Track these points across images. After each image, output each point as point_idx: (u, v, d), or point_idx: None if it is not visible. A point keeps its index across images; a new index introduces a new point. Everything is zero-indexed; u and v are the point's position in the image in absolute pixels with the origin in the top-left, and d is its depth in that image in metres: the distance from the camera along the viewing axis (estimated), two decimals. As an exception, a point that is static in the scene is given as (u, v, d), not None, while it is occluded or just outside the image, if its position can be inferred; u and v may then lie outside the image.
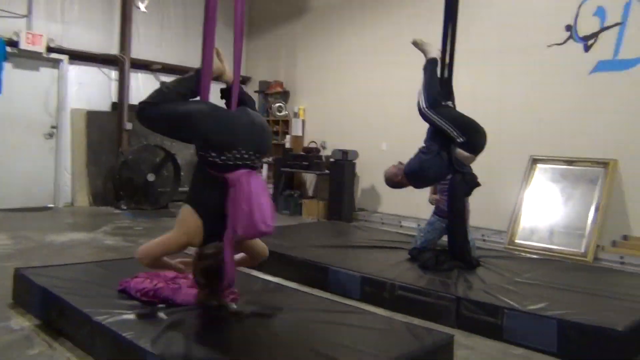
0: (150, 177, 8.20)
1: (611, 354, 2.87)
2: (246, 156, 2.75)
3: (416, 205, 7.57)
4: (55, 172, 8.24)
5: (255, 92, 10.04)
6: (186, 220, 2.74)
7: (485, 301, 3.37)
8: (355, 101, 8.47)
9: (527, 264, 4.61)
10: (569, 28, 6.46)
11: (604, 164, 6.07)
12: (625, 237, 5.90)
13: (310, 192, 9.22)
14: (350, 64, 8.64)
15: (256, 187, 2.70)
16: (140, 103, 2.81)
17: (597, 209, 5.92)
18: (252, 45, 10.49)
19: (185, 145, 9.45)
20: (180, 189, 8.93)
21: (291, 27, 9.70)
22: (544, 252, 5.83)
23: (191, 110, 2.78)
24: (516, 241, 6.27)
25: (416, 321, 3.32)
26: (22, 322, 3.20)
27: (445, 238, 4.68)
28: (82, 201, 8.40)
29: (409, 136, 7.76)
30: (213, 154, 2.68)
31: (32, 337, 2.97)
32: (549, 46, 6.56)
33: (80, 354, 2.75)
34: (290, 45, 9.73)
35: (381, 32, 8.28)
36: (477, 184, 4.36)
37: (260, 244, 3.09)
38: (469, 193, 4.40)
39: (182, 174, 8.59)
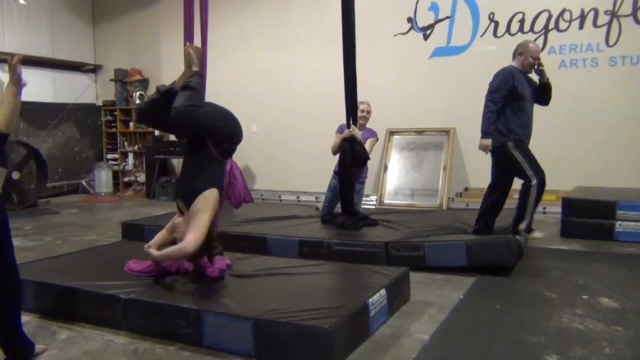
0: (15, 175, 7.79)
1: (501, 258, 4.05)
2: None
3: (292, 179, 8.44)
4: None
5: (111, 80, 9.88)
6: (216, 203, 3.31)
7: (408, 240, 4.36)
8: (222, 86, 8.90)
9: (409, 215, 5.74)
10: (410, 20, 7.75)
11: (446, 131, 7.52)
12: (466, 189, 7.44)
13: (181, 177, 9.50)
14: (214, 48, 9.01)
15: (237, 170, 3.59)
16: (189, 106, 3.17)
17: (444, 169, 7.35)
18: (102, 30, 10.22)
19: (44, 140, 9.07)
20: (49, 184, 8.61)
21: (146, 12, 9.70)
22: (408, 208, 7.07)
23: (226, 110, 3.44)
24: (385, 201, 7.47)
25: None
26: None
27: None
28: None
29: (278, 119, 8.58)
30: (232, 146, 3.35)
31: (48, 327, 3.18)
32: (395, 35, 7.79)
33: (110, 331, 3.08)
34: (146, 31, 9.72)
35: (246, 16, 8.79)
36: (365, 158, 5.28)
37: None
38: (357, 163, 5.26)
39: (48, 168, 8.27)
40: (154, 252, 3.30)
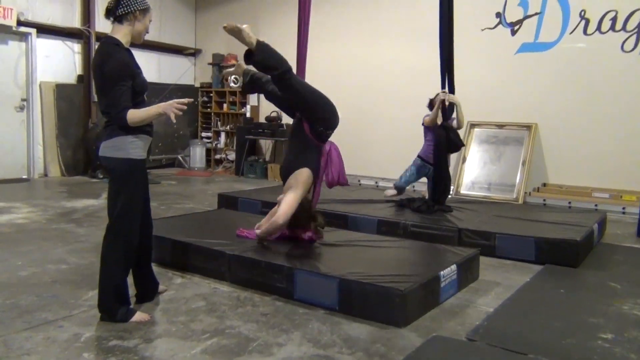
0: (123, 147, 8.67)
1: (570, 258, 4.25)
2: (332, 132, 3.85)
3: (372, 165, 8.82)
4: (27, 144, 8.48)
5: (209, 64, 10.65)
6: (307, 180, 3.80)
7: (479, 229, 4.65)
8: (314, 72, 9.39)
9: (484, 206, 5.98)
10: (498, 15, 7.87)
11: (528, 127, 7.62)
12: (544, 184, 7.53)
13: (267, 157, 10.13)
14: (311, 36, 9.50)
15: (339, 154, 4.04)
16: (286, 70, 3.62)
17: (523, 164, 7.47)
18: (203, 17, 11.01)
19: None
20: (151, 157, 9.48)
21: (245, 1, 10.35)
22: (485, 200, 7.27)
23: (323, 94, 3.89)
24: (462, 192, 7.70)
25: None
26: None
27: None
28: (55, 172, 8.72)
29: (360, 107, 8.96)
30: (328, 130, 3.75)
31: (165, 273, 3.79)
32: (482, 30, 7.94)
33: (215, 281, 3.64)
34: (244, 18, 10.32)
35: (358, 3, 9.19)
36: (460, 145, 5.60)
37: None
38: (451, 150, 5.60)
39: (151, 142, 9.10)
40: (257, 231, 3.88)
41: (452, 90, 5.51)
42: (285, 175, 3.91)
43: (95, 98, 8.75)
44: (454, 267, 3.48)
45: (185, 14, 10.89)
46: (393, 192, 6.17)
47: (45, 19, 8.52)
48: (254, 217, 5.08)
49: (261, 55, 3.59)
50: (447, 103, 5.43)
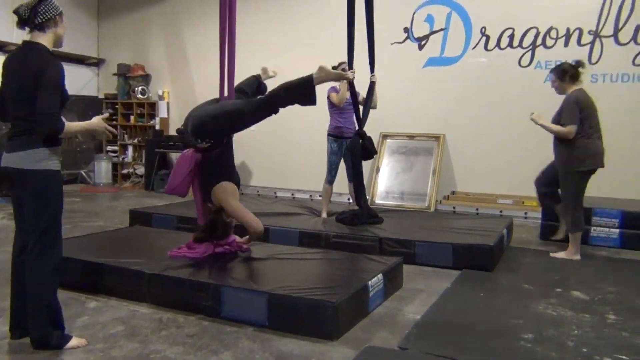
0: (20, 162, 8.03)
1: (485, 262, 4.44)
2: None
3: (289, 177, 8.80)
4: None
5: (114, 74, 10.17)
6: (234, 190, 3.77)
7: (399, 237, 4.75)
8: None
9: (399, 215, 6.13)
10: (406, 30, 8.16)
11: (436, 137, 7.94)
12: (453, 192, 7.86)
13: (178, 171, 9.78)
14: (213, 47, 9.33)
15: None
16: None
17: (433, 173, 7.77)
18: (106, 25, 10.51)
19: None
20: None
21: (152, 9, 10.00)
22: (398, 209, 7.45)
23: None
24: (376, 201, 7.85)
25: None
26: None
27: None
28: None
29: (275, 118, 8.90)
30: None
31: (77, 298, 3.51)
32: (391, 44, 8.20)
33: (134, 303, 3.42)
34: (151, 28, 10.03)
35: (248, 18, 9.11)
36: (374, 153, 5.70)
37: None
38: (365, 157, 5.68)
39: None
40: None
41: (372, 69, 5.65)
42: None
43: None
44: (380, 276, 3.51)
45: (87, 22, 10.35)
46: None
47: None
48: (170, 233, 4.88)
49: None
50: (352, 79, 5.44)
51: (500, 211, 7.17)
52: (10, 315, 2.82)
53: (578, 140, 4.64)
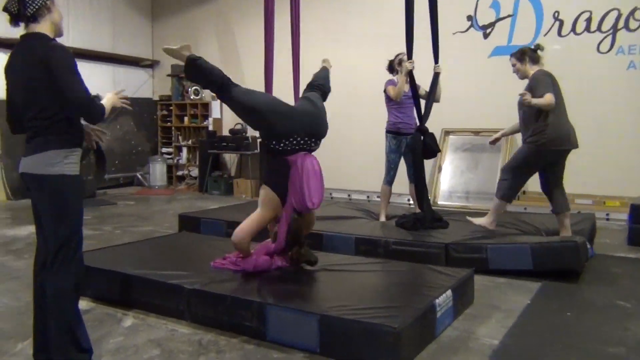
0: (76, 166, 8.01)
1: (571, 263, 3.88)
2: (302, 142, 3.30)
3: (344, 177, 8.38)
4: (-32, 167, 7.75)
5: (168, 75, 10.08)
6: (268, 199, 3.33)
7: (469, 242, 4.25)
8: (276, 80, 8.95)
9: (464, 218, 5.57)
10: (470, 18, 7.57)
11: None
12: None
13: (233, 172, 9.58)
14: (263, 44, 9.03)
15: (308, 168, 3.31)
16: (222, 84, 3.27)
17: (502, 171, 7.14)
18: (160, 26, 10.45)
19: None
20: (106, 176, 8.85)
21: (203, 8, 9.84)
22: (463, 210, 6.89)
23: (259, 102, 3.32)
24: (438, 202, 7.32)
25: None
26: (82, 305, 3.41)
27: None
28: (0, 196, 7.99)
29: (332, 117, 8.51)
30: (274, 142, 3.31)
31: (113, 314, 3.23)
32: (453, 34, 7.63)
33: (173, 321, 3.11)
34: (203, 28, 9.87)
35: (314, 11, 8.75)
36: (436, 151, 5.21)
37: (312, 217, 3.65)
38: (427, 156, 5.20)
39: (106, 160, 8.48)
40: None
41: (436, 59, 5.25)
42: None
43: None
44: (449, 292, 3.04)
45: (141, 23, 10.32)
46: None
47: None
48: (218, 240, 4.56)
49: (192, 73, 3.38)
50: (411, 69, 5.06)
51: (579, 212, 6.47)
52: (34, 338, 2.55)
53: (550, 118, 4.42)
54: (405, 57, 5.18)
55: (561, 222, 4.51)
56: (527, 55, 4.62)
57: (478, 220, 4.74)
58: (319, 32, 8.65)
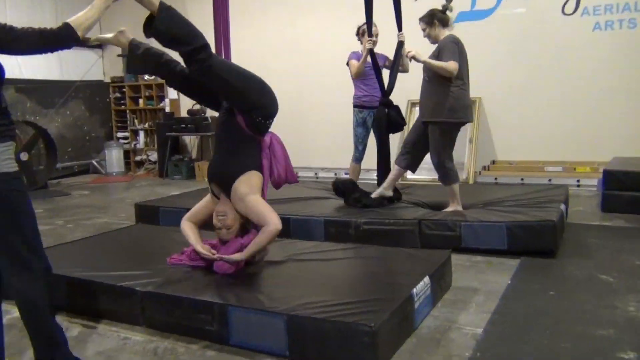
0: (24, 157, 7.51)
1: (548, 243, 3.71)
2: (273, 121, 3.12)
3: (310, 155, 8.10)
4: None
5: (119, 55, 9.53)
6: (260, 184, 3.04)
7: (442, 219, 4.04)
8: (238, 57, 8.53)
9: (435, 191, 5.38)
10: (432, -17, 7.28)
11: (472, 101, 7.11)
12: (494, 162, 7.08)
13: (193, 155, 9.19)
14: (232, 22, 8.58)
15: (281, 145, 3.19)
16: (202, 45, 2.74)
17: (470, 142, 6.97)
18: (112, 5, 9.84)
19: (52, 119, 8.78)
20: (59, 165, 8.37)
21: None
22: (432, 183, 6.69)
23: (255, 76, 3.06)
24: (407, 177, 7.10)
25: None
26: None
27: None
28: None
29: (295, 94, 8.20)
30: (267, 120, 3.05)
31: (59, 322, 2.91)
32: (416, 0, 7.33)
33: (126, 327, 2.81)
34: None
35: None
36: (402, 124, 4.98)
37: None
38: (392, 130, 4.97)
39: (57, 149, 7.98)
40: (235, 256, 2.93)
41: (399, 27, 4.98)
42: (226, 181, 3.03)
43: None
44: (426, 279, 2.81)
45: (87, 0, 9.68)
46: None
47: None
48: (178, 232, 4.21)
49: (167, 23, 2.69)
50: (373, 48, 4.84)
51: (549, 180, 6.37)
52: None
53: (453, 88, 4.29)
54: (366, 28, 4.92)
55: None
56: (435, 18, 4.42)
57: (448, 209, 4.49)
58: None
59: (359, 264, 3.25)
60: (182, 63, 3.00)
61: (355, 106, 5.22)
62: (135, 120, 9.64)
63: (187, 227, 3.18)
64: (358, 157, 5.27)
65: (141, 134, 9.55)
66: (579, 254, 3.77)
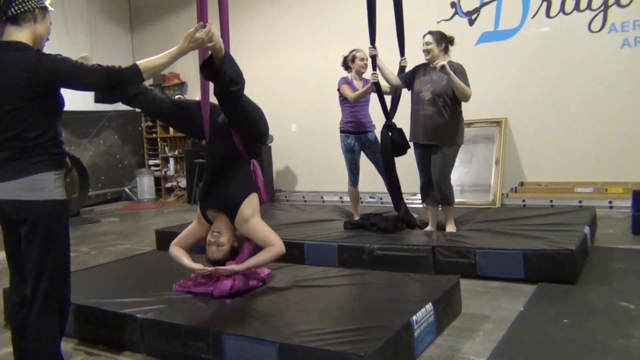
0: (57, 185, 7.73)
1: (566, 273, 3.55)
2: None
3: (335, 180, 8.07)
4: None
5: (151, 85, 9.79)
6: (258, 204, 3.11)
7: (455, 245, 3.93)
8: (261, 86, 8.64)
9: (460, 214, 5.26)
10: (453, 5, 7.25)
11: (497, 122, 6.99)
12: (522, 184, 6.89)
13: (222, 181, 9.28)
14: (252, 48, 8.74)
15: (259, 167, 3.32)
16: (244, 83, 2.86)
17: (496, 163, 6.82)
18: (139, 36, 10.22)
19: (85, 148, 9.06)
20: (92, 192, 8.60)
21: (182, 15, 9.57)
22: (458, 206, 6.52)
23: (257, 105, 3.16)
24: (433, 199, 6.99)
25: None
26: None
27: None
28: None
29: (318, 117, 8.24)
30: (261, 145, 3.29)
31: (63, 348, 2.94)
32: (438, 22, 7.30)
33: (127, 355, 2.81)
34: (182, 34, 9.58)
35: (285, 15, 8.52)
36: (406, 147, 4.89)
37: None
38: (396, 153, 4.87)
39: (89, 177, 8.21)
40: (233, 267, 2.99)
41: (402, 52, 4.95)
42: (231, 206, 3.05)
43: None
44: (429, 306, 2.73)
45: (120, 34, 10.07)
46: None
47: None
48: (194, 257, 4.26)
49: (231, 66, 2.79)
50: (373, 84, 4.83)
51: (580, 201, 6.15)
52: None
53: (461, 112, 4.48)
54: (357, 54, 5.08)
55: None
56: (445, 41, 4.47)
57: (449, 229, 4.52)
58: (288, 33, 8.39)
59: (363, 290, 3.18)
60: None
61: (341, 132, 5.22)
62: (166, 148, 9.85)
63: (177, 251, 3.23)
64: (353, 181, 5.28)
65: (171, 161, 9.74)
66: (601, 280, 3.59)
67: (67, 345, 2.97)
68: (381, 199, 7.16)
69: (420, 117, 4.44)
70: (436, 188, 4.47)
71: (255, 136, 3.18)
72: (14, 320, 2.37)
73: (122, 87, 2.28)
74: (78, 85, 2.18)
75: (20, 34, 2.20)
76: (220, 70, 2.74)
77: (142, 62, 2.27)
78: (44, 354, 2.23)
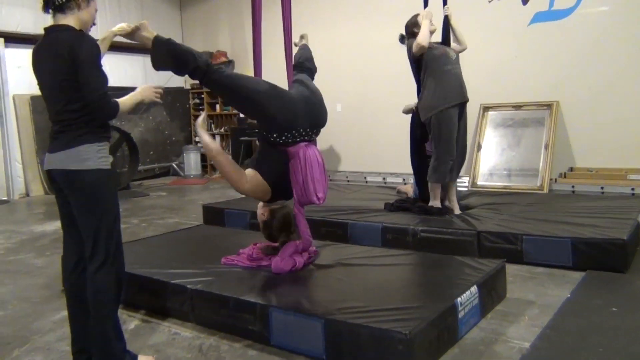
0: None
1: (616, 261, 3.47)
2: (303, 133, 3.02)
3: (379, 160, 8.07)
4: (5, 163, 7.86)
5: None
6: (257, 182, 3.00)
7: (503, 231, 3.89)
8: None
9: (505, 199, 5.19)
10: (507, -17, 7.04)
11: (548, 105, 6.80)
12: (571, 169, 6.71)
13: (266, 159, 9.40)
14: (299, 26, 8.72)
15: (311, 161, 3.02)
16: (198, 65, 2.82)
17: (546, 147, 6.66)
18: (189, 14, 10.35)
19: (135, 124, 9.30)
20: (142, 167, 8.85)
21: (230, -6, 9.65)
22: (504, 190, 6.45)
23: (256, 90, 2.93)
24: (478, 183, 6.91)
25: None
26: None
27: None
28: (37, 191, 8.11)
29: (363, 98, 8.21)
30: (274, 135, 2.96)
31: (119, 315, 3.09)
32: (489, 1, 7.12)
33: (178, 323, 2.93)
34: (231, 12, 9.68)
35: None
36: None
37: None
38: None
39: (139, 152, 8.45)
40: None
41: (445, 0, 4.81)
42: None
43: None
44: (474, 289, 2.73)
45: (170, 12, 10.23)
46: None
47: (14, 27, 7.89)
48: (238, 233, 4.38)
49: (157, 55, 2.77)
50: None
51: (632, 189, 5.95)
52: (72, 341, 2.49)
53: None
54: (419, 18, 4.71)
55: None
56: None
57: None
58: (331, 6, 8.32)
59: (407, 271, 3.20)
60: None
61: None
62: (212, 125, 10.02)
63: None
64: None
65: (217, 138, 9.90)
66: (653, 269, 3.51)
67: (122, 313, 3.11)
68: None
69: (453, 76, 4.44)
70: (463, 155, 4.53)
71: (263, 123, 3.02)
72: (67, 284, 2.49)
73: (98, 113, 2.30)
74: (82, 79, 2.25)
75: (66, 20, 2.35)
76: (151, 59, 2.78)
77: (120, 103, 2.37)
78: (101, 315, 2.34)
